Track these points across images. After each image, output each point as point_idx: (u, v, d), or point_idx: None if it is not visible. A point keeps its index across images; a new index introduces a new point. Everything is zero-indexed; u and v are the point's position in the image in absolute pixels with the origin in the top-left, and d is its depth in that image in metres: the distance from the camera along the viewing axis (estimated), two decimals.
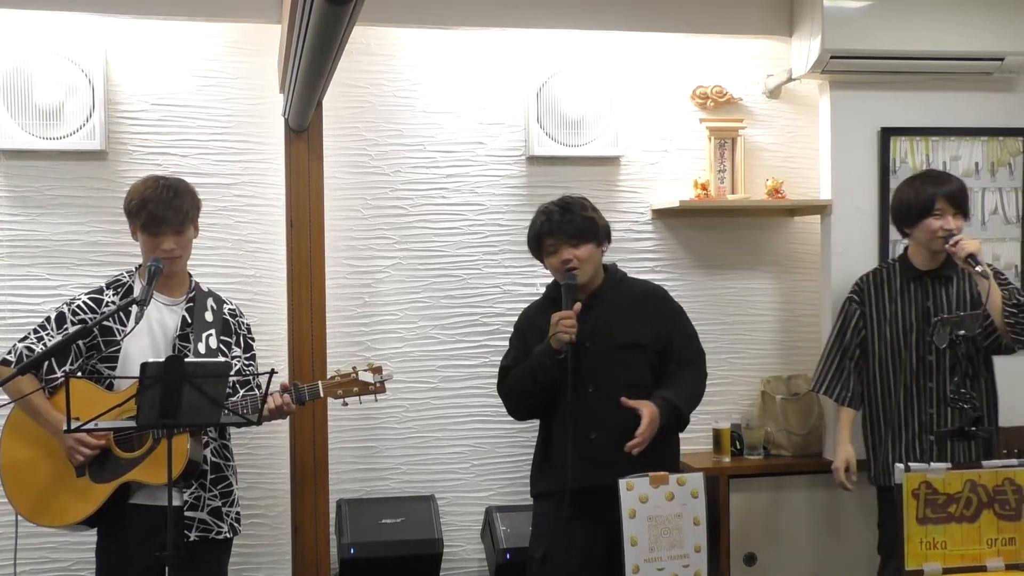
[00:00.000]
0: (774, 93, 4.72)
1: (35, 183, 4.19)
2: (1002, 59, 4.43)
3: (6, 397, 3.27)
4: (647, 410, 3.39)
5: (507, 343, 4.40)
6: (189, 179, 4.19)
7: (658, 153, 4.66)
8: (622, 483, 3.25)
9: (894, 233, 4.48)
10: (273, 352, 4.27)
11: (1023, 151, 4.61)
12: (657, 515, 3.23)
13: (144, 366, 2.85)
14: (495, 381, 4.53)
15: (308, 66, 3.10)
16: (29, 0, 4.01)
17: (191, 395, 2.85)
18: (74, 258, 4.20)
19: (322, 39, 2.75)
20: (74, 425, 2.85)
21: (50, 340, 3.30)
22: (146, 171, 4.10)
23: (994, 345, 3.79)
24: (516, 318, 4.45)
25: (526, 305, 4.45)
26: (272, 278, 4.34)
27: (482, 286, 4.54)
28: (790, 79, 4.56)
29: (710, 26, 4.53)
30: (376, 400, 3.57)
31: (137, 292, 3.35)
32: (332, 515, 4.27)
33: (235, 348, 3.46)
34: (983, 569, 2.94)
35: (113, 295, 3.37)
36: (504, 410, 4.45)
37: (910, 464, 2.96)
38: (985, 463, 3.03)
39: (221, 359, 3.35)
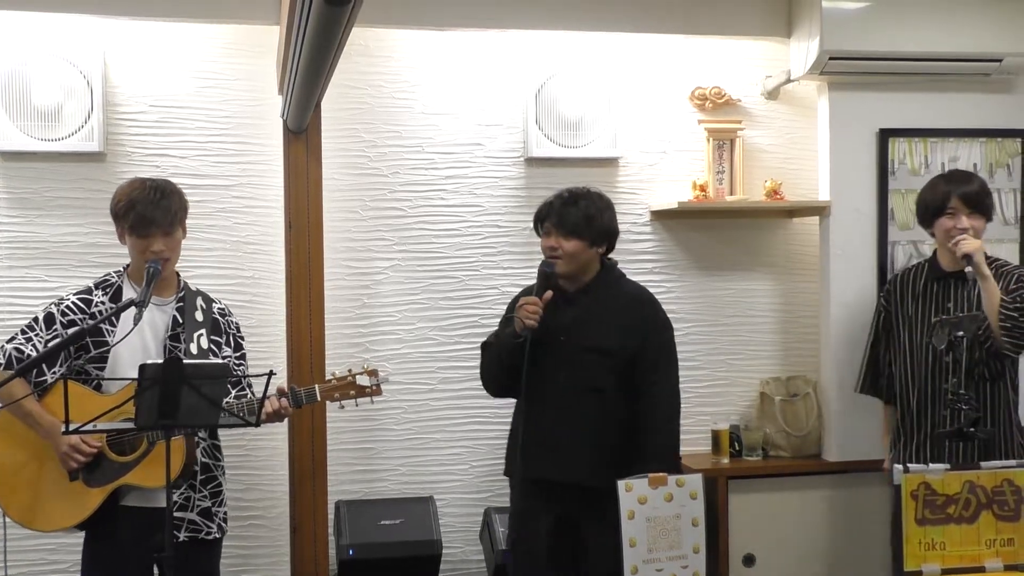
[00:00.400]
0: (773, 94, 4.72)
1: (33, 185, 4.19)
2: (1000, 60, 4.43)
3: None
4: None
5: None
6: (188, 180, 4.22)
7: (657, 154, 4.66)
8: (621, 484, 3.25)
9: (893, 234, 4.50)
10: (272, 353, 4.27)
11: (1021, 152, 4.61)
12: (656, 516, 3.22)
13: (143, 367, 2.84)
14: None
15: (307, 67, 3.10)
16: (27, 1, 4.01)
17: (190, 396, 2.84)
18: (73, 259, 4.20)
19: (321, 40, 2.75)
20: (73, 427, 2.84)
21: (39, 340, 3.28)
22: (145, 172, 4.10)
23: (993, 348, 3.72)
24: None
25: None
26: (271, 279, 4.34)
27: (481, 287, 4.54)
28: (789, 80, 4.56)
29: (709, 27, 4.54)
30: (372, 403, 3.57)
31: (126, 293, 3.33)
32: (331, 516, 4.27)
33: (225, 348, 3.45)
34: (982, 570, 2.94)
35: (102, 295, 3.35)
36: (503, 412, 4.49)
37: (909, 465, 2.96)
38: (984, 464, 3.03)
39: (219, 360, 3.35)
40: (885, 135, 4.50)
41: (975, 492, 2.96)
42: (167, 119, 4.29)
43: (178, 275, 3.47)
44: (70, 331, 3.25)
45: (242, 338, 3.56)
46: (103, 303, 3.33)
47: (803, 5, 4.41)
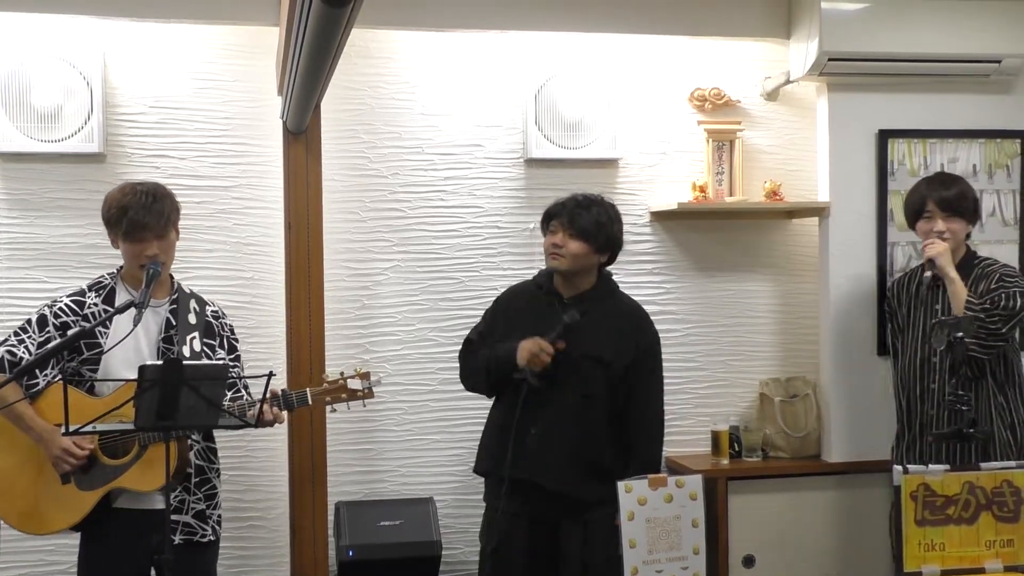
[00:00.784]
0: (772, 95, 4.72)
1: (33, 186, 4.19)
2: (999, 61, 4.44)
3: None
4: None
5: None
6: (187, 182, 4.23)
7: (656, 155, 4.66)
8: (621, 485, 3.24)
9: (892, 235, 4.50)
10: (271, 354, 4.27)
11: (1020, 153, 4.61)
12: (655, 517, 3.22)
13: (143, 369, 2.84)
14: None
15: (306, 69, 3.10)
16: (27, 2, 4.01)
17: (189, 398, 2.84)
18: (72, 260, 4.20)
19: (320, 41, 2.75)
20: (73, 428, 2.83)
21: (32, 343, 3.27)
22: (144, 174, 4.12)
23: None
24: None
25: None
26: (270, 280, 4.34)
27: (480, 288, 4.54)
28: (788, 81, 4.56)
29: (708, 28, 4.54)
30: (364, 406, 3.56)
31: (119, 296, 3.31)
32: (330, 517, 4.27)
33: (219, 350, 3.43)
34: (981, 571, 2.94)
35: (95, 297, 3.34)
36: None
37: (908, 466, 2.96)
38: (983, 465, 3.03)
39: (218, 362, 3.34)
40: (884, 136, 4.51)
41: (975, 493, 2.96)
42: (167, 120, 4.29)
43: (172, 277, 3.46)
44: (63, 333, 3.24)
45: (236, 340, 3.54)
46: (96, 305, 3.32)
47: (802, 6, 4.42)
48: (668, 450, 4.24)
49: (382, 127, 4.46)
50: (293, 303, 4.19)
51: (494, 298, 4.41)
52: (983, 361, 3.75)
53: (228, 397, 3.32)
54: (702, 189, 4.53)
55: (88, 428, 2.89)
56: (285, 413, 3.41)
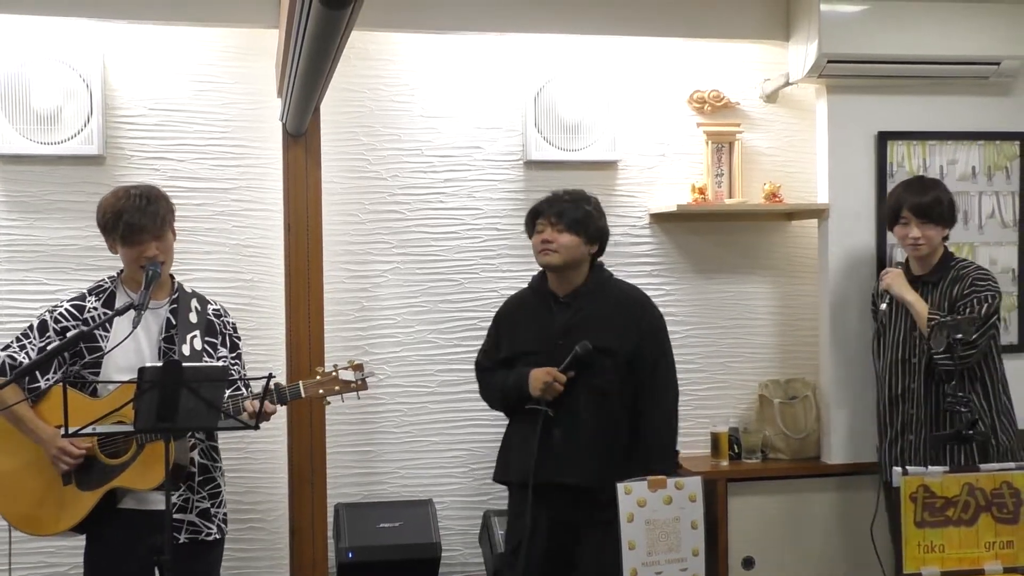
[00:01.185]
0: (771, 97, 4.73)
1: (33, 188, 4.19)
2: (998, 63, 4.44)
3: None
4: None
5: None
6: (187, 184, 4.24)
7: (655, 157, 4.67)
8: (620, 487, 3.25)
9: (892, 237, 4.49)
10: (271, 356, 4.27)
11: (1020, 155, 4.62)
12: (655, 519, 3.22)
13: (142, 370, 2.84)
14: None
15: (306, 71, 3.10)
16: (27, 5, 4.01)
17: (188, 399, 2.84)
18: (72, 262, 4.20)
19: (320, 44, 2.75)
20: (72, 430, 2.83)
21: (33, 348, 3.28)
22: (144, 176, 4.12)
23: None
24: None
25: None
26: (270, 282, 4.34)
27: (480, 290, 4.54)
28: (787, 83, 4.57)
29: (707, 31, 4.54)
30: (359, 398, 3.55)
31: (120, 299, 3.31)
32: (330, 519, 4.27)
33: (221, 349, 3.44)
34: (981, 572, 2.93)
35: (96, 301, 3.35)
36: (502, 416, 4.47)
37: (908, 468, 2.96)
38: (983, 466, 3.03)
39: (217, 363, 3.34)
40: (884, 138, 4.51)
41: (974, 495, 2.96)
42: (166, 122, 4.29)
43: (172, 277, 3.46)
44: (64, 338, 3.24)
45: (239, 338, 3.54)
46: (96, 309, 3.33)
47: (801, 8, 4.42)
48: None
49: (381, 129, 4.46)
50: (292, 305, 4.19)
51: (490, 302, 4.44)
52: (990, 363, 3.84)
53: (227, 394, 3.32)
54: (701, 191, 4.54)
55: (88, 430, 2.89)
56: (279, 407, 3.41)
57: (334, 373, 3.45)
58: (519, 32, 4.44)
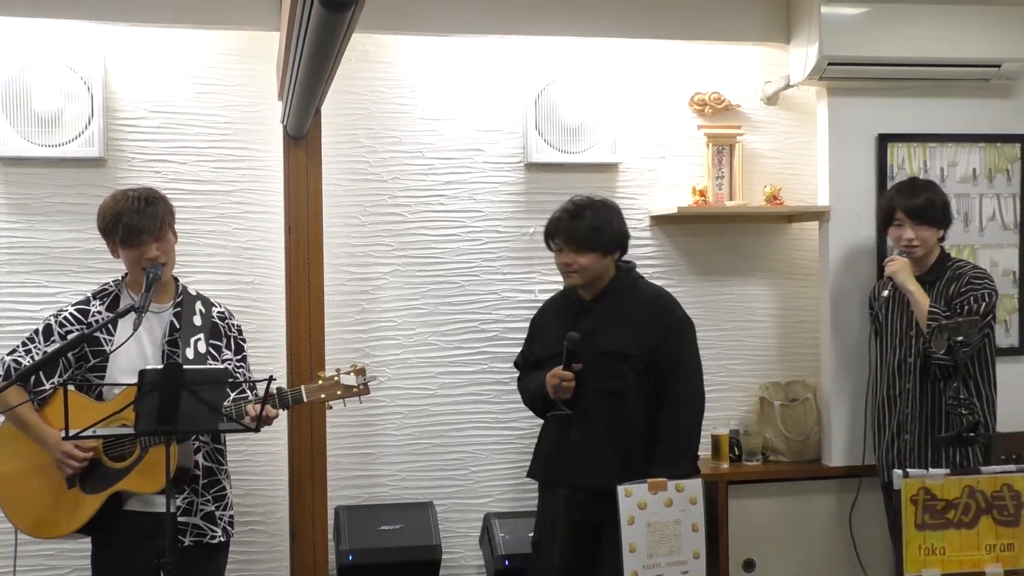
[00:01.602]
0: (772, 100, 4.73)
1: (34, 190, 4.19)
2: (999, 65, 4.44)
3: None
4: None
5: (506, 349, 4.43)
6: (188, 186, 4.24)
7: (656, 160, 4.67)
8: (621, 489, 3.25)
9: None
10: (271, 358, 4.27)
11: (1020, 157, 4.61)
12: (655, 521, 3.22)
13: (142, 373, 2.84)
14: (494, 387, 4.56)
15: (306, 73, 3.10)
16: (28, 7, 4.01)
17: (189, 402, 2.84)
18: (73, 265, 4.20)
19: (320, 46, 2.75)
20: (72, 432, 2.84)
21: (38, 353, 3.28)
22: (145, 178, 4.12)
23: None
24: (514, 324, 4.48)
25: (524, 311, 4.46)
26: (270, 285, 4.34)
27: (480, 292, 4.54)
28: (788, 86, 4.57)
29: (708, 33, 4.54)
30: (361, 402, 3.55)
31: (124, 302, 3.31)
32: (330, 522, 4.27)
33: (225, 351, 3.44)
34: (982, 575, 2.93)
35: (100, 305, 3.35)
36: (503, 417, 4.49)
37: (909, 470, 2.96)
38: (984, 469, 3.03)
39: (219, 365, 3.35)
40: (884, 140, 4.51)
41: (975, 497, 2.96)
42: (167, 125, 4.29)
43: (176, 280, 3.47)
44: (68, 339, 3.25)
45: (244, 340, 3.55)
46: (100, 313, 3.33)
47: (802, 11, 4.42)
48: None
49: (382, 131, 4.46)
50: (293, 307, 4.19)
51: (491, 305, 4.46)
52: (983, 363, 3.86)
53: (231, 397, 3.33)
54: (702, 193, 4.54)
55: (88, 432, 2.89)
56: (279, 411, 3.41)
57: (336, 377, 3.45)
58: (520, 34, 4.44)
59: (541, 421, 3.76)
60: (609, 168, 4.61)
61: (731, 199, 4.57)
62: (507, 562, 4.16)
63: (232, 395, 3.35)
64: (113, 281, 3.43)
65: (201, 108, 4.32)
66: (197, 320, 3.40)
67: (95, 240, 4.11)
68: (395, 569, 4.14)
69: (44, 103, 4.09)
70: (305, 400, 3.42)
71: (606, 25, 4.43)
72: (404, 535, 4.21)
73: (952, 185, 4.52)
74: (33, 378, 3.24)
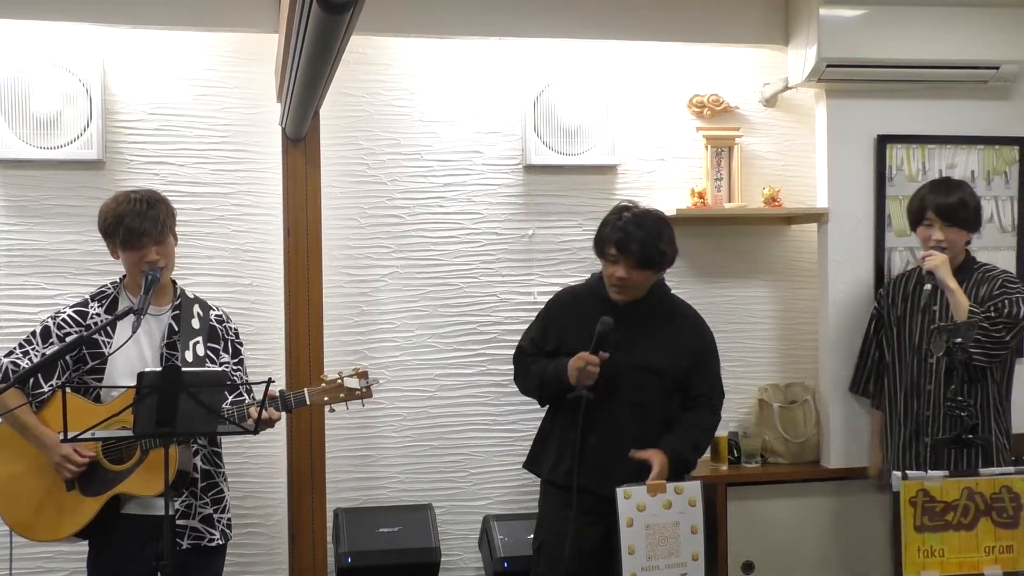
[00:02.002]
0: (771, 101, 4.73)
1: (32, 192, 4.19)
2: (997, 67, 4.44)
3: None
4: (657, 461, 3.40)
5: (505, 351, 4.41)
6: (186, 188, 4.24)
7: (655, 162, 4.67)
8: (620, 492, 3.25)
9: (890, 240, 4.51)
10: (270, 361, 4.27)
11: (1019, 160, 4.61)
12: (655, 523, 3.23)
13: (141, 375, 2.84)
14: (492, 389, 4.54)
15: (305, 75, 3.10)
16: (26, 10, 4.01)
17: (187, 404, 2.84)
18: (71, 267, 4.20)
19: (319, 48, 2.75)
20: (71, 435, 2.83)
21: (36, 354, 3.28)
22: (143, 180, 4.12)
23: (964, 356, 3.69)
24: (513, 326, 4.47)
25: (523, 313, 4.45)
26: (269, 287, 4.34)
27: (479, 295, 4.54)
28: (786, 87, 4.57)
29: (706, 35, 4.54)
30: (363, 405, 3.55)
31: (123, 305, 3.31)
32: (329, 524, 4.27)
33: (223, 354, 3.44)
34: None
35: (98, 307, 3.35)
36: (502, 419, 4.47)
37: (908, 472, 2.96)
38: (982, 471, 3.03)
39: (218, 368, 3.34)
40: (883, 142, 4.51)
41: (974, 499, 2.97)
42: (166, 127, 4.29)
43: (174, 283, 3.47)
44: (66, 341, 3.24)
45: (241, 344, 3.55)
46: (98, 315, 3.33)
47: (801, 13, 4.42)
48: None
49: (381, 133, 4.46)
50: (292, 309, 4.19)
51: (490, 306, 4.43)
52: (984, 368, 3.76)
53: (229, 400, 3.32)
54: (701, 195, 4.54)
55: (87, 435, 2.89)
56: (282, 414, 3.41)
57: (339, 381, 3.45)
58: (518, 36, 4.44)
59: (539, 422, 3.73)
60: (608, 170, 4.61)
61: (730, 201, 4.57)
62: (506, 564, 4.16)
63: (230, 398, 3.34)
64: (111, 283, 3.43)
65: (200, 110, 4.31)
66: (195, 323, 3.40)
67: (93, 242, 4.12)
68: (394, 571, 4.14)
69: (42, 105, 4.09)
70: (308, 403, 3.42)
71: (604, 27, 4.42)
72: (403, 537, 4.21)
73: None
74: (31, 380, 3.23)
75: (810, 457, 4.59)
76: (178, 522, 3.28)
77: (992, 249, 4.55)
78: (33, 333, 3.34)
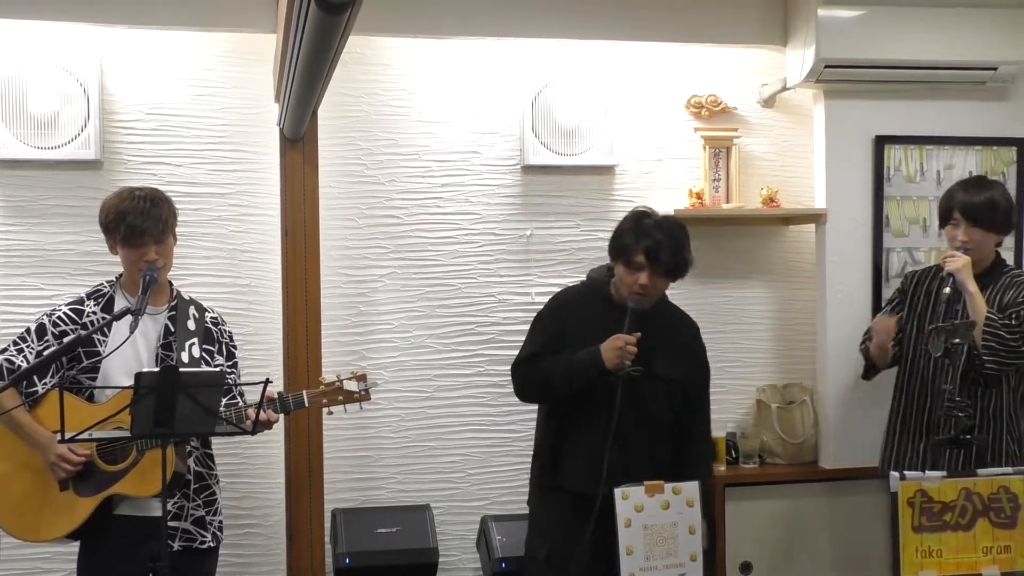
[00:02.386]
0: (769, 102, 4.73)
1: (30, 193, 4.19)
2: (995, 68, 4.44)
3: None
4: None
5: (503, 352, 4.41)
6: (184, 188, 4.23)
7: (653, 162, 4.67)
8: (617, 492, 3.25)
9: (888, 241, 4.51)
10: (268, 361, 4.26)
11: (1016, 160, 4.62)
12: (653, 524, 3.23)
13: (139, 376, 2.83)
14: (490, 390, 4.54)
15: (303, 75, 3.10)
16: (24, 10, 4.01)
17: (185, 405, 2.84)
18: (69, 267, 4.20)
19: (317, 48, 2.75)
20: (68, 436, 2.83)
21: (31, 352, 3.27)
22: (141, 180, 4.11)
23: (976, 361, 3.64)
24: (511, 327, 4.47)
25: (521, 313, 4.45)
26: (267, 287, 4.34)
27: (477, 295, 4.54)
28: (784, 88, 4.57)
29: (705, 36, 4.54)
30: (361, 408, 3.55)
31: (119, 303, 3.31)
32: (327, 524, 4.27)
33: (218, 357, 3.44)
34: None
35: (94, 305, 3.34)
36: (499, 419, 4.47)
37: (905, 472, 2.96)
38: (980, 471, 3.03)
39: (215, 369, 3.34)
40: (881, 142, 4.51)
41: (971, 499, 2.97)
42: (164, 127, 4.29)
43: (171, 284, 3.46)
44: (62, 342, 3.24)
45: (235, 347, 3.55)
46: (95, 313, 3.32)
47: (799, 13, 4.42)
48: None
49: (379, 134, 4.46)
50: (290, 310, 4.19)
51: (488, 307, 4.43)
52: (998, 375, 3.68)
53: (223, 403, 3.32)
54: (699, 196, 4.54)
55: (84, 436, 2.88)
56: (280, 415, 3.40)
57: (338, 383, 3.45)
58: (516, 37, 4.44)
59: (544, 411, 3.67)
60: (606, 171, 4.61)
61: (728, 201, 4.57)
62: (504, 564, 4.16)
63: (224, 401, 3.33)
64: (107, 281, 3.42)
65: (197, 110, 4.31)
66: (191, 324, 3.39)
67: (91, 243, 4.12)
68: (392, 572, 4.14)
69: (40, 105, 4.09)
70: (307, 405, 3.41)
71: (603, 27, 4.42)
72: (401, 538, 4.21)
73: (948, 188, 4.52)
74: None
75: (808, 458, 4.59)
76: (169, 523, 3.25)
77: None
78: (28, 330, 3.33)
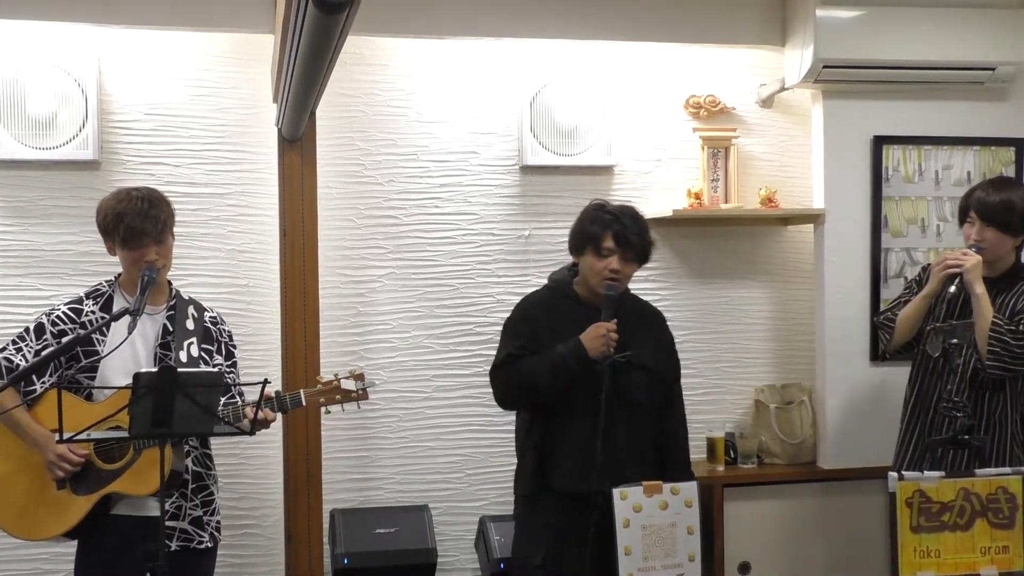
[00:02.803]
0: (767, 102, 4.73)
1: (28, 193, 4.18)
2: (993, 68, 4.44)
3: None
4: None
5: None
6: (182, 189, 4.23)
7: (651, 162, 4.67)
8: (616, 492, 3.25)
9: (886, 241, 4.51)
10: (267, 361, 4.26)
11: (1015, 161, 4.62)
12: (651, 524, 3.22)
13: (137, 376, 2.83)
14: (488, 391, 4.51)
15: (301, 76, 3.10)
16: (22, 10, 4.01)
17: (184, 405, 2.83)
18: (67, 268, 4.19)
19: (315, 49, 2.75)
20: (67, 436, 2.83)
21: (29, 351, 3.27)
22: (139, 181, 4.11)
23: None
24: None
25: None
26: (265, 288, 4.34)
27: (475, 295, 4.54)
28: (783, 88, 4.57)
29: (703, 36, 4.55)
30: (359, 408, 3.54)
31: (117, 303, 3.31)
32: (325, 525, 4.27)
33: (217, 356, 3.44)
34: None
35: (93, 305, 3.34)
36: (498, 419, 4.45)
37: (904, 472, 2.96)
38: (978, 471, 3.03)
39: (213, 369, 3.34)
40: (879, 143, 4.51)
41: (969, 500, 2.97)
42: (162, 127, 4.29)
43: (170, 283, 3.46)
44: (61, 342, 3.23)
45: (234, 346, 3.54)
46: (93, 312, 3.32)
47: (797, 14, 4.43)
48: None
49: (377, 134, 4.46)
50: (288, 310, 4.19)
51: (486, 307, 4.42)
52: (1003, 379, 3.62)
53: (222, 403, 3.31)
54: (697, 196, 4.54)
55: (83, 435, 2.88)
56: (278, 414, 3.40)
57: (336, 382, 3.44)
58: (515, 37, 4.44)
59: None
60: (604, 171, 4.61)
61: (726, 202, 4.57)
62: (502, 565, 4.16)
63: (223, 400, 3.33)
64: (106, 281, 3.42)
65: (196, 111, 4.31)
66: (190, 324, 3.39)
67: (89, 243, 4.12)
68: (391, 572, 4.14)
69: (38, 106, 4.09)
70: (304, 404, 3.41)
71: (601, 28, 4.43)
72: (399, 538, 4.21)
73: (946, 188, 4.53)
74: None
75: (806, 458, 4.59)
76: (167, 523, 3.25)
77: None
78: (27, 329, 3.32)
